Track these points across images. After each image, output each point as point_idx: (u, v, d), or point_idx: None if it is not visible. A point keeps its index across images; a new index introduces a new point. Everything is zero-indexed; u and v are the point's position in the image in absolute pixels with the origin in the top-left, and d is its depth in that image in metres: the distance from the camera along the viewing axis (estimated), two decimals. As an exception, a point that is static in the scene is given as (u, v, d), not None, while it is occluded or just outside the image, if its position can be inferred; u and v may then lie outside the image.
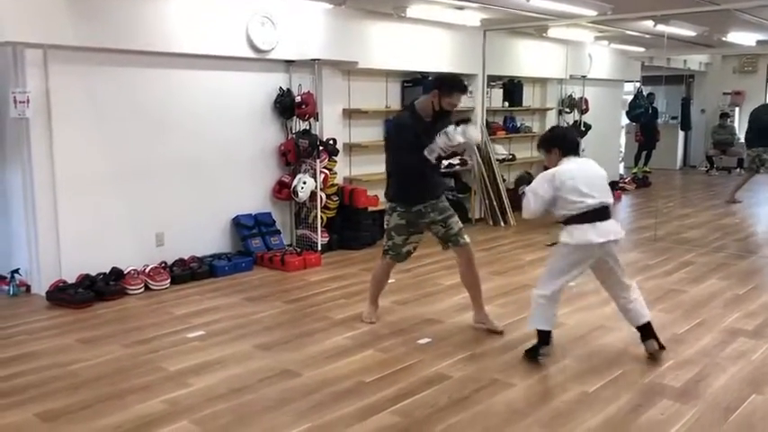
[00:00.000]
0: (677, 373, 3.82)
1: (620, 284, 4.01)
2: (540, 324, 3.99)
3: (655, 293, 5.45)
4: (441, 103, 4.32)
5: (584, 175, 3.84)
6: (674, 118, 14.83)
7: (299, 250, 6.52)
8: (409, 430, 3.17)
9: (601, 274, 4.04)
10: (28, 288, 5.45)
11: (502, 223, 8.52)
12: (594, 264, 3.91)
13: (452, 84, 4.34)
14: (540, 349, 3.99)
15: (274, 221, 6.79)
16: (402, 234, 4.50)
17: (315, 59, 6.62)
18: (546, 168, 4.01)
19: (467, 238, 4.51)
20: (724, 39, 10.73)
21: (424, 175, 4.40)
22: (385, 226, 4.69)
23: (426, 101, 4.40)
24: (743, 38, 10.85)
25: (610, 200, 3.86)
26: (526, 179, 4.33)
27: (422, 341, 4.35)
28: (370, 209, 7.20)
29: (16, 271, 5.43)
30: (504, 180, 9.01)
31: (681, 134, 14.91)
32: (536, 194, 3.84)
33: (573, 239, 3.79)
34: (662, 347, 4.07)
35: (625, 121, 13.01)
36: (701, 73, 14.94)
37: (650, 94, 12.66)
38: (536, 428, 3.18)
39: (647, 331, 4.06)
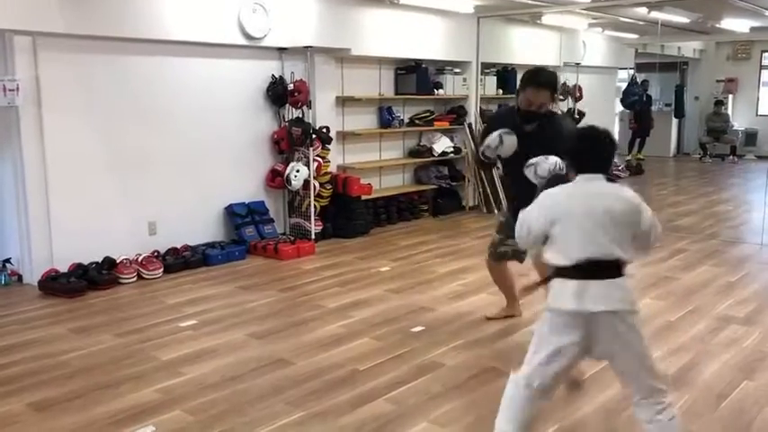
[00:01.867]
0: (670, 360, 3.84)
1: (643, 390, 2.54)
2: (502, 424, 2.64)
3: (648, 281, 5.47)
4: (518, 100, 3.76)
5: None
6: (667, 105, 14.81)
7: (292, 239, 6.51)
8: (403, 418, 3.18)
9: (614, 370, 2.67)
10: (20, 277, 5.43)
11: (495, 211, 8.51)
12: (589, 350, 2.54)
13: (525, 77, 3.74)
14: None
15: (267, 210, 6.77)
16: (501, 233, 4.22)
17: (307, 47, 6.57)
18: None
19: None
20: (718, 25, 10.72)
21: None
22: None
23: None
24: (737, 24, 10.84)
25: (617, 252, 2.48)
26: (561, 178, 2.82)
27: (416, 329, 4.36)
28: (364, 197, 7.19)
29: (8, 260, 5.40)
30: (498, 168, 8.98)
31: (674, 121, 14.91)
32: (524, 219, 2.66)
33: (555, 300, 2.54)
34: None
35: (619, 108, 13.00)
36: (695, 60, 14.92)
37: (644, 82, 12.64)
38: (529, 416, 3.19)
39: None
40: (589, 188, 2.56)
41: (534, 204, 2.64)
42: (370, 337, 4.22)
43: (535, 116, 3.68)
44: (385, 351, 3.99)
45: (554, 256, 2.53)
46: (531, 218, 2.61)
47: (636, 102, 12.36)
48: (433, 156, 8.25)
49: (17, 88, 4.98)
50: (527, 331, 4.29)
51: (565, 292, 2.47)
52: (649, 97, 13.04)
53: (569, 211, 2.53)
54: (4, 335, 4.30)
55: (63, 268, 5.31)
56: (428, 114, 8.35)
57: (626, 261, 2.50)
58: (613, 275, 2.47)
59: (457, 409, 3.27)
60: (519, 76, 9.99)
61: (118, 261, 5.51)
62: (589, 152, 2.60)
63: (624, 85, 12.57)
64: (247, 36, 6.22)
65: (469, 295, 5.07)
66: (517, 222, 2.69)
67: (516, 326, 4.38)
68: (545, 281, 2.66)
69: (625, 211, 2.51)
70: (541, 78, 3.69)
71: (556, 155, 3.20)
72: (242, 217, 6.50)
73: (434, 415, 3.20)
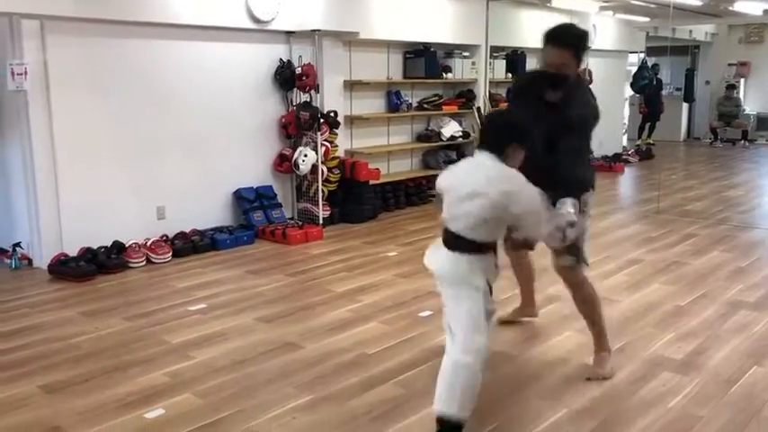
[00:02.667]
0: (679, 345, 3.82)
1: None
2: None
3: (657, 266, 5.44)
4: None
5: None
6: (678, 89, 14.70)
7: (300, 223, 6.51)
8: (412, 401, 3.18)
9: None
10: (30, 261, 5.45)
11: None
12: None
13: (545, 34, 3.24)
14: None
15: (275, 194, 6.77)
16: None
17: (315, 30, 6.53)
18: None
19: None
20: (730, 8, 10.58)
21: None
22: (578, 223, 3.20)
23: None
24: (750, 7, 10.70)
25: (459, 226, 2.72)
26: None
27: (424, 314, 4.35)
28: (372, 182, 7.17)
29: (18, 244, 5.42)
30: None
31: (685, 106, 14.79)
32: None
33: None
34: None
35: (629, 92, 12.90)
36: (707, 43, 14.77)
37: (655, 65, 12.52)
38: (537, 400, 3.19)
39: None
40: (470, 164, 2.82)
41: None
42: (378, 321, 4.22)
43: (562, 81, 3.13)
44: (393, 335, 4.00)
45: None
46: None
47: (646, 86, 12.25)
48: (442, 140, 8.21)
49: (25, 72, 4.98)
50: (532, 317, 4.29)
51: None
52: (660, 81, 12.93)
53: (447, 183, 2.82)
54: (14, 318, 4.33)
55: (72, 252, 5.33)
56: (436, 98, 8.31)
57: (476, 240, 2.69)
58: (461, 249, 2.71)
59: (465, 393, 3.26)
60: (528, 61, 9.97)
61: (127, 245, 5.53)
62: (484, 131, 2.89)
63: (634, 69, 12.45)
64: (255, 19, 6.19)
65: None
66: None
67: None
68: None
69: (489, 191, 2.63)
70: (562, 35, 3.16)
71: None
72: (250, 201, 6.50)
73: (443, 399, 3.20)
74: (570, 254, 3.30)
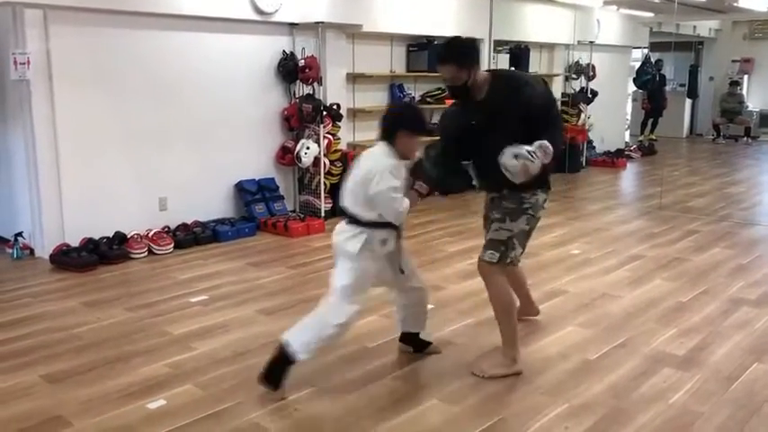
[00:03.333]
0: (681, 342, 3.82)
1: None
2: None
3: (659, 261, 5.44)
4: None
5: None
6: (681, 85, 14.65)
7: (302, 216, 6.51)
8: (413, 395, 3.19)
9: None
10: (31, 251, 5.46)
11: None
12: None
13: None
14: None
15: (278, 187, 6.76)
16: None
17: (319, 22, 6.51)
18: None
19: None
20: (735, 4, 10.54)
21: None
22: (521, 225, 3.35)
23: None
24: (755, 2, 10.66)
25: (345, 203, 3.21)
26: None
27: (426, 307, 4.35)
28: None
29: (20, 234, 5.43)
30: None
31: (688, 102, 14.75)
32: None
33: None
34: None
35: (632, 88, 12.87)
36: (711, 39, 14.71)
37: (658, 61, 12.49)
38: (538, 395, 3.19)
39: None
40: (366, 152, 3.27)
41: None
42: (379, 314, 4.22)
43: (461, 90, 3.27)
44: (394, 329, 3.98)
45: None
46: None
47: (649, 81, 12.23)
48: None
49: (28, 62, 4.97)
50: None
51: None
52: (663, 77, 12.90)
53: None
54: (17, 308, 4.34)
55: (74, 243, 5.33)
56: (439, 92, 8.27)
57: (359, 215, 3.14)
58: (347, 222, 3.19)
59: (466, 387, 3.27)
60: (532, 55, 9.93)
61: (128, 236, 5.53)
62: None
63: (638, 65, 12.42)
64: (259, 11, 6.17)
65: (477, 275, 5.04)
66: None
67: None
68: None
69: (361, 174, 3.13)
70: (443, 53, 3.30)
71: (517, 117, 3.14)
72: (252, 194, 6.50)
73: (444, 392, 3.21)
74: (491, 249, 3.33)
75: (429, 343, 3.64)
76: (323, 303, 3.23)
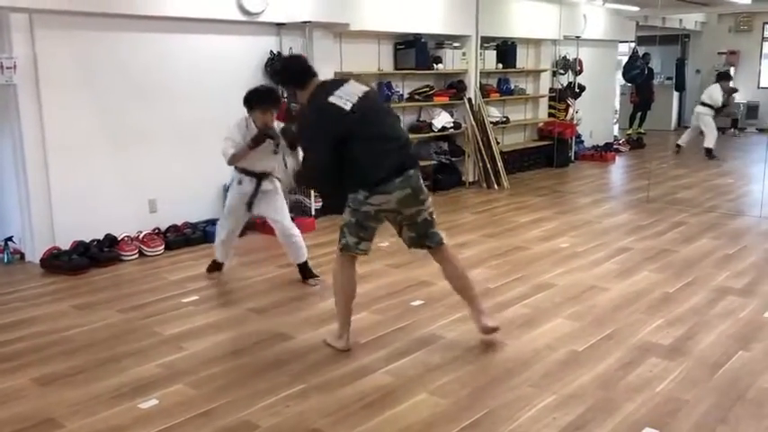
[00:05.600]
0: (667, 331, 3.87)
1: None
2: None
3: (647, 253, 5.49)
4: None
5: None
6: (668, 78, 14.74)
7: (292, 215, 6.50)
8: (403, 389, 3.22)
9: None
10: (22, 255, 5.46)
11: (495, 186, 8.52)
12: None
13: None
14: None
15: (267, 186, 6.77)
16: None
17: (306, 22, 6.53)
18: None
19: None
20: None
21: None
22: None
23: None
24: (738, -4, 10.73)
25: None
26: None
27: (415, 303, 4.39)
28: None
29: (10, 239, 5.43)
30: (498, 143, 8.99)
31: (675, 95, 14.84)
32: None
33: None
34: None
35: (620, 81, 12.94)
36: (697, 32, 14.81)
37: (646, 54, 12.56)
38: (526, 387, 3.23)
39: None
40: None
41: None
42: (369, 311, 4.26)
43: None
44: (385, 324, 4.04)
45: None
46: None
47: (637, 75, 12.29)
48: (433, 131, 8.23)
49: (14, 66, 4.97)
50: (521, 305, 4.34)
51: None
52: (651, 70, 12.96)
53: None
54: (7, 312, 4.35)
55: (64, 246, 5.34)
56: (427, 89, 8.32)
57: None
58: None
59: (455, 380, 3.31)
60: (519, 51, 9.96)
61: (119, 238, 5.54)
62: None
63: (625, 59, 12.49)
64: (245, 11, 6.18)
65: (468, 269, 5.08)
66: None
67: (511, 301, 4.41)
68: None
69: None
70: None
71: None
72: (242, 194, 6.50)
73: (433, 386, 3.24)
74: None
75: (313, 274, 4.84)
76: None
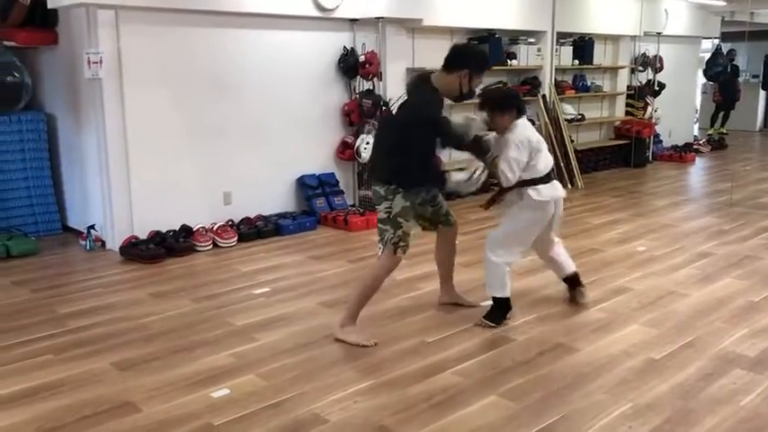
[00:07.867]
0: (752, 342, 3.68)
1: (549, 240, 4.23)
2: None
3: (730, 259, 5.25)
4: (471, 84, 3.92)
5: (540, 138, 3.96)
6: (755, 76, 14.06)
7: (361, 210, 6.55)
8: (471, 390, 3.17)
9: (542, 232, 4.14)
10: (103, 243, 5.67)
11: (569, 185, 8.31)
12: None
13: (485, 62, 4.07)
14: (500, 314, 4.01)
15: (338, 182, 6.82)
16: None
17: (379, 17, 6.53)
18: (491, 129, 4.05)
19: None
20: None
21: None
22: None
23: (451, 78, 3.89)
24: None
25: None
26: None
27: (486, 303, 4.30)
28: (434, 170, 7.12)
29: (92, 227, 5.65)
30: (572, 141, 8.77)
31: (762, 94, 14.14)
32: (517, 162, 3.81)
33: (542, 196, 3.90)
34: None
35: (701, 80, 12.42)
36: (788, 28, 14.05)
37: (730, 51, 12.02)
38: (600, 394, 3.13)
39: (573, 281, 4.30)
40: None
41: (517, 146, 3.83)
42: (437, 309, 4.22)
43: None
44: (453, 324, 3.99)
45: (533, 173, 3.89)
46: (519, 155, 3.82)
47: (720, 73, 11.76)
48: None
49: (100, 61, 5.15)
50: (596, 309, 4.21)
51: (552, 187, 4.05)
52: (736, 68, 12.39)
53: (539, 139, 4.02)
54: (89, 297, 4.52)
55: (142, 235, 5.51)
56: (501, 86, 8.17)
57: None
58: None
59: (526, 384, 3.23)
60: (596, 47, 9.69)
61: (194, 229, 5.69)
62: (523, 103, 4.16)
63: (708, 56, 11.97)
64: (320, 7, 6.23)
65: (541, 270, 4.97)
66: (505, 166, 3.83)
67: (585, 305, 4.28)
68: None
69: None
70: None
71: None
72: (313, 188, 6.58)
73: (503, 389, 3.18)
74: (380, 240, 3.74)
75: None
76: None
